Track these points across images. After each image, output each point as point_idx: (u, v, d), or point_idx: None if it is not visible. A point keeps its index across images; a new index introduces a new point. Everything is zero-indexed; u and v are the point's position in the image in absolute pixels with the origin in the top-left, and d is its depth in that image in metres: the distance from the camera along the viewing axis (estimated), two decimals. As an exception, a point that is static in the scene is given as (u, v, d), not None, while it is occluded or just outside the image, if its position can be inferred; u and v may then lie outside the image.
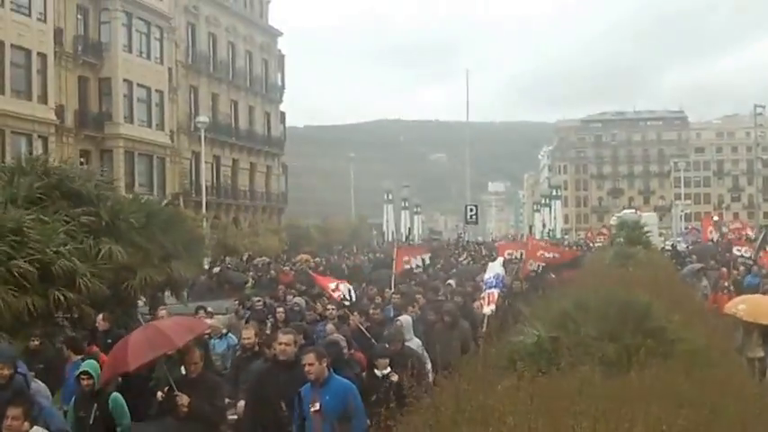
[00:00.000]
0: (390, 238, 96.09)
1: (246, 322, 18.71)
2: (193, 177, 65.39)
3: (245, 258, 50.80)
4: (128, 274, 21.68)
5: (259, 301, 23.05)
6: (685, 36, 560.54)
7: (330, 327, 17.13)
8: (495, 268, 20.80)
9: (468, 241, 77.74)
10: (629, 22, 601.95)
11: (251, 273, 43.50)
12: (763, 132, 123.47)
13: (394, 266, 28.83)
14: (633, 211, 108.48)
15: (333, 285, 21.36)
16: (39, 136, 48.81)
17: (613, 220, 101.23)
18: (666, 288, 18.63)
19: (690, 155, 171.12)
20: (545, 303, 14.83)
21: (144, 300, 23.26)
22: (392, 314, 19.66)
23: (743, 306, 17.09)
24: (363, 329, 17.30)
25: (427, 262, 32.35)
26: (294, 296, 25.19)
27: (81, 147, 53.88)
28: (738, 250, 38.15)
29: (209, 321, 17.30)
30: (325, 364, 10.56)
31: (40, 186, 21.32)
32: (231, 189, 73.23)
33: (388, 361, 13.24)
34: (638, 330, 11.14)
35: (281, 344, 11.77)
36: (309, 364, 10.51)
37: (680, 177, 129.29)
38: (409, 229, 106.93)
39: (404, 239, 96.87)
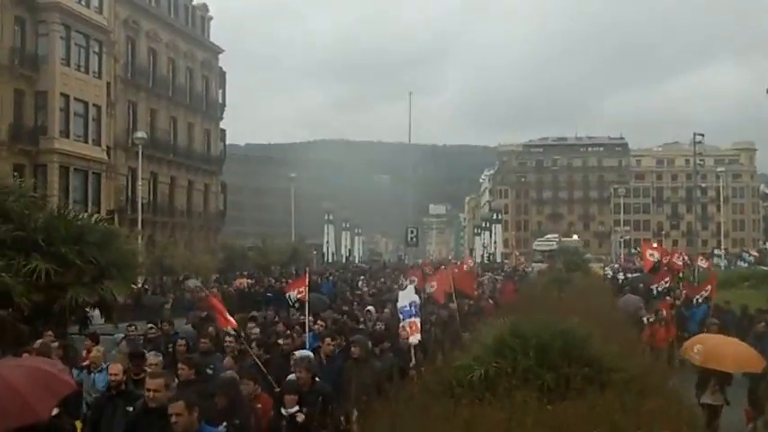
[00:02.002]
0: (331, 260, 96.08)
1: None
2: (130, 194, 64.56)
3: (181, 278, 50.36)
4: (58, 292, 21.25)
5: (152, 328, 20.40)
6: (628, 64, 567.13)
7: (228, 360, 15.20)
8: (408, 296, 19.69)
9: (404, 263, 78.04)
10: (572, 50, 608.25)
11: (171, 294, 43.09)
12: (702, 160, 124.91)
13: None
14: (554, 236, 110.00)
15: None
16: (-29, 149, 47.95)
17: (536, 246, 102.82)
18: (603, 317, 18.66)
19: (630, 181, 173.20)
20: (483, 330, 14.71)
21: (73, 319, 22.70)
22: (311, 344, 18.05)
23: (699, 347, 16.06)
24: (260, 365, 15.18)
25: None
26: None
27: (15, 161, 52.81)
28: (662, 283, 37.94)
29: (93, 351, 16.00)
30: (195, 415, 8.94)
31: (-30, 201, 20.86)
32: (168, 207, 72.48)
33: (296, 398, 11.98)
34: (574, 359, 11.06)
35: (149, 389, 10.27)
36: (177, 414, 8.95)
37: (620, 204, 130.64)
38: (350, 250, 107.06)
39: (344, 260, 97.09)
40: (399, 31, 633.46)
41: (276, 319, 24.87)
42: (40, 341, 15.57)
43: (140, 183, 59.87)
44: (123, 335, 20.67)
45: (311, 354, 15.60)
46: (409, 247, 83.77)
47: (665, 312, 26.22)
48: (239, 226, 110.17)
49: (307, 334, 19.07)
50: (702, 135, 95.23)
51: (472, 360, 11.77)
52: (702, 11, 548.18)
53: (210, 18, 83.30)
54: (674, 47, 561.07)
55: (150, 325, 20.66)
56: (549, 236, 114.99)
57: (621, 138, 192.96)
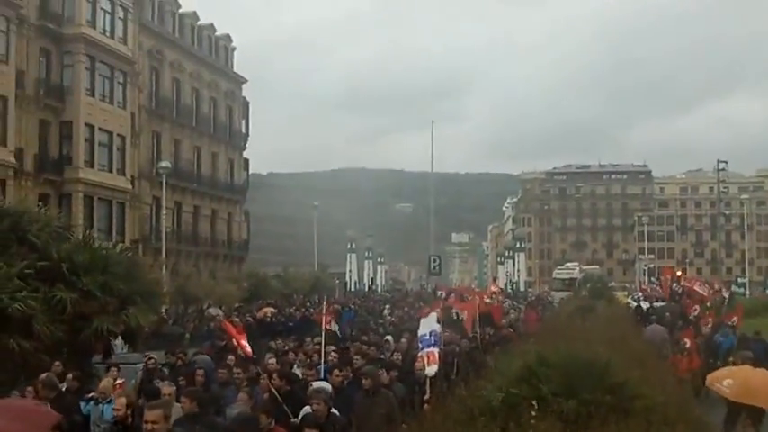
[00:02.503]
0: (353, 288, 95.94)
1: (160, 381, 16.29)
2: (154, 223, 64.76)
3: (204, 307, 50.36)
4: (83, 322, 21.28)
5: (151, 359, 19.77)
6: (650, 94, 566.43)
7: (242, 395, 14.27)
8: (429, 324, 18.63)
9: (432, 290, 77.67)
10: (595, 81, 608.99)
11: (191, 323, 42.93)
12: (725, 188, 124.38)
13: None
14: (575, 264, 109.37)
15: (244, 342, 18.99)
16: (-3, 179, 48.25)
17: (556, 274, 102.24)
18: (627, 346, 18.51)
19: (653, 209, 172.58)
20: (507, 358, 14.66)
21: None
22: (323, 375, 17.28)
23: (729, 381, 15.08)
24: (277, 396, 14.64)
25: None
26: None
27: (40, 190, 53.15)
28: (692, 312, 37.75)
29: (103, 381, 15.73)
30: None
31: (-3, 230, 20.98)
32: (192, 236, 72.65)
33: None
34: (598, 387, 11.00)
35: (146, 421, 9.79)
36: (153, 422, 8.81)
37: (643, 231, 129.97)
38: (372, 279, 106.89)
39: (366, 289, 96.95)
40: (423, 63, 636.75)
41: (286, 348, 24.23)
42: (45, 374, 15.11)
43: (164, 212, 60.03)
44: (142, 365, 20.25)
45: (328, 385, 15.24)
46: (432, 276, 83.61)
47: (688, 342, 25.61)
48: (262, 254, 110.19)
49: (322, 365, 18.35)
50: (726, 162, 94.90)
51: (495, 388, 11.72)
52: (723, 40, 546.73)
53: (234, 48, 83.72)
54: (695, 76, 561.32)
55: (168, 354, 20.56)
56: (569, 264, 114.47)
57: (645, 165, 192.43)
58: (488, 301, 45.17)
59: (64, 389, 15.41)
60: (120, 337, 23.73)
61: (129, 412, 12.10)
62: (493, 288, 61.95)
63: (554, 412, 10.55)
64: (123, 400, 12.24)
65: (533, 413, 10.48)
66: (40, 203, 40.74)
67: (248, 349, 18.11)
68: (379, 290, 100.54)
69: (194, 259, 71.45)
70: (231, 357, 19.10)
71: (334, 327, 28.20)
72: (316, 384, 14.91)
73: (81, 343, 21.31)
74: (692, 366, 24.40)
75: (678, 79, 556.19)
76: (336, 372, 16.16)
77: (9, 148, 49.78)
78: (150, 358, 19.73)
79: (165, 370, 19.42)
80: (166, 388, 14.25)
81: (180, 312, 49.00)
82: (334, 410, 12.85)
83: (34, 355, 18.79)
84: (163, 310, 39.11)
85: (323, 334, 20.59)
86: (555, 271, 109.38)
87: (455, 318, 34.84)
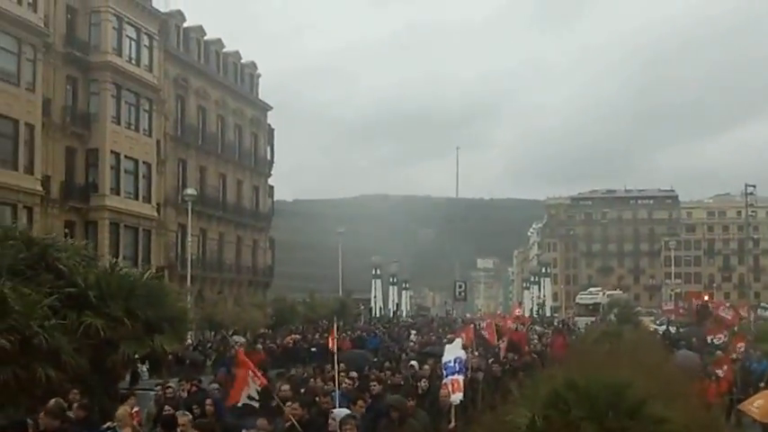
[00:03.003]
0: (378, 314, 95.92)
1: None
2: (179, 250, 65.03)
3: (230, 333, 50.43)
4: (109, 348, 21.35)
5: (169, 387, 19.26)
6: (679, 118, 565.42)
7: (261, 421, 13.95)
8: (454, 351, 18.35)
9: (452, 317, 77.66)
10: (622, 104, 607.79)
11: (214, 351, 42.79)
12: (754, 212, 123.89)
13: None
14: (598, 290, 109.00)
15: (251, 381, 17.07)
16: (24, 206, 48.38)
17: (579, 299, 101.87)
18: (654, 370, 18.40)
19: (680, 234, 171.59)
20: (533, 383, 14.60)
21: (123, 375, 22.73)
22: (339, 401, 16.82)
23: (759, 403, 15.58)
24: (296, 425, 14.33)
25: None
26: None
27: (66, 218, 53.51)
28: (712, 339, 37.61)
29: (120, 409, 15.33)
30: None
31: (24, 258, 21.08)
32: (217, 263, 72.88)
33: None
34: (623, 411, 10.97)
35: None
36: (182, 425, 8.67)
37: (670, 256, 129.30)
38: (397, 305, 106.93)
39: (391, 315, 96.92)
40: (449, 90, 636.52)
41: (305, 375, 24.06)
42: (52, 401, 14.70)
43: (190, 239, 60.27)
44: (155, 394, 19.89)
45: (349, 413, 14.60)
46: (457, 302, 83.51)
47: (723, 369, 25.35)
48: (287, 281, 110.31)
49: (336, 391, 17.82)
50: (754, 186, 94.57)
51: (523, 413, 11.69)
52: (752, 64, 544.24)
53: (259, 75, 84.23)
54: (723, 100, 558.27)
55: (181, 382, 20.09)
56: (592, 289, 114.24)
57: (672, 190, 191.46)
58: (512, 326, 45.23)
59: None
60: (145, 363, 23.76)
61: None
62: (517, 312, 61.86)
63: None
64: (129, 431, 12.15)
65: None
66: (67, 231, 41.17)
67: (263, 380, 16.93)
68: (404, 315, 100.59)
69: (219, 286, 71.66)
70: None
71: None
72: (338, 412, 14.50)
73: (107, 369, 21.38)
74: (721, 391, 24.17)
75: (705, 104, 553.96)
76: (361, 403, 15.88)
77: (36, 175, 50.06)
78: (168, 387, 19.34)
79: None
80: (182, 418, 14.05)
81: (202, 339, 49.03)
82: None
83: (61, 383, 18.82)
84: (188, 337, 39.19)
85: (335, 360, 19.84)
86: (578, 296, 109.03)
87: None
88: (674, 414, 11.61)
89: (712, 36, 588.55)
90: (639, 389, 11.92)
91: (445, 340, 39.33)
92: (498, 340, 33.81)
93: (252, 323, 57.47)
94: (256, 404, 16.29)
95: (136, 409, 16.00)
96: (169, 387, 19.33)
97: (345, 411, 14.50)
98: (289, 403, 15.09)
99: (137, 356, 22.41)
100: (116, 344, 21.56)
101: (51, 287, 20.79)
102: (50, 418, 13.55)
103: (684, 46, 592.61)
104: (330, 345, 25.24)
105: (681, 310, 66.02)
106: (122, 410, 15.30)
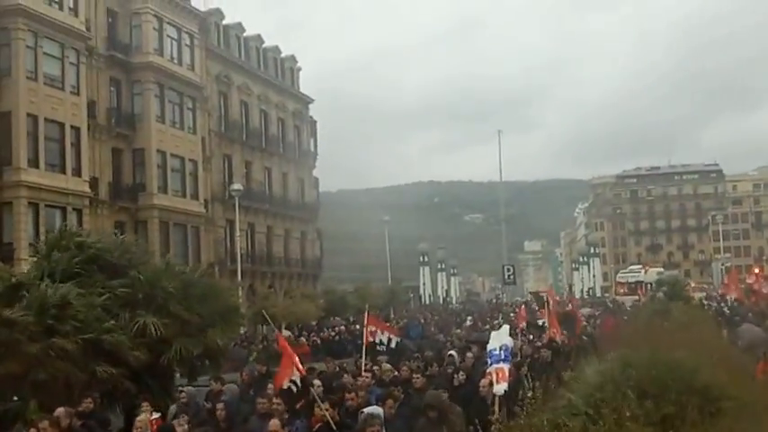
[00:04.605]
0: (428, 301, 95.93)
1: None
2: (228, 246, 65.41)
3: (283, 326, 50.55)
4: (163, 346, 21.51)
5: (182, 392, 18.80)
6: (719, 92, 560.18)
7: (274, 423, 13.06)
8: (500, 338, 17.20)
9: (502, 301, 77.47)
10: (658, 80, 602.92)
11: (259, 345, 42.62)
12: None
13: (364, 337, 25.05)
14: (639, 267, 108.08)
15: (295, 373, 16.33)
16: (73, 209, 48.88)
17: (620, 278, 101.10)
18: (710, 346, 18.25)
19: (727, 207, 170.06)
20: (587, 364, 14.55)
21: (179, 372, 22.89)
22: (374, 399, 15.93)
23: None
24: (332, 424, 13.43)
25: (392, 345, 26.72)
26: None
27: (115, 218, 54.04)
28: None
29: (139, 417, 14.89)
30: None
31: (78, 261, 21.30)
32: (266, 256, 73.23)
33: None
34: (683, 389, 10.92)
35: None
36: None
37: (718, 231, 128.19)
38: (446, 290, 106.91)
39: (441, 302, 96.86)
40: (494, 74, 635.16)
41: (337, 370, 23.08)
42: (59, 409, 14.50)
43: (238, 234, 60.58)
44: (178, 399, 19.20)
45: (381, 410, 13.82)
46: (506, 285, 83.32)
47: None
48: (336, 272, 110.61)
49: (374, 387, 17.30)
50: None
51: (579, 394, 11.66)
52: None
53: (299, 69, 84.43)
54: (761, 75, 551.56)
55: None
56: (632, 267, 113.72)
57: (716, 164, 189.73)
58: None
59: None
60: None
61: None
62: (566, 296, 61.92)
63: (640, 416, 10.51)
64: None
65: (619, 419, 10.44)
66: (117, 231, 41.42)
67: (301, 370, 16.20)
68: (453, 302, 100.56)
69: (270, 279, 71.99)
70: (271, 386, 17.23)
71: (382, 338, 26.66)
72: (368, 411, 13.40)
73: (162, 367, 21.54)
74: None
75: (748, 78, 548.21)
76: (391, 402, 14.64)
77: (84, 177, 50.57)
78: (181, 392, 18.78)
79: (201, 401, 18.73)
80: (178, 427, 13.82)
81: (249, 335, 49.11)
82: None
83: (120, 381, 19.04)
84: (242, 332, 39.36)
85: (363, 352, 19.52)
86: (618, 274, 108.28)
87: (539, 325, 34.76)
88: (736, 391, 11.58)
89: (754, 5, 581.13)
90: (699, 366, 11.89)
91: (490, 326, 38.68)
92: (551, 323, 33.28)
93: (304, 316, 57.66)
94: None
95: (156, 416, 15.34)
96: (182, 392, 18.67)
97: (378, 410, 13.71)
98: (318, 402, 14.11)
99: (189, 353, 22.46)
100: (169, 341, 21.69)
101: (104, 287, 20.99)
102: (52, 428, 13.28)
103: (730, 19, 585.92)
104: (366, 335, 24.24)
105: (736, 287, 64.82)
106: (143, 417, 14.84)
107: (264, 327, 52.89)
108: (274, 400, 15.43)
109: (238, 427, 14.27)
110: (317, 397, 14.03)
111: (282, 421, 13.54)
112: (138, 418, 14.58)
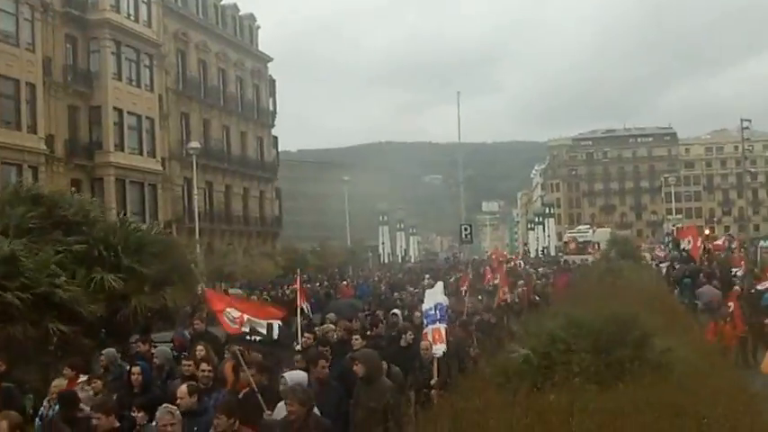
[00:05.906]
0: (386, 260, 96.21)
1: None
2: (186, 204, 65.14)
3: (237, 285, 50.54)
4: (120, 302, 21.51)
5: (101, 356, 16.41)
6: (675, 56, 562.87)
7: (182, 389, 11.21)
8: (435, 296, 16.24)
9: (459, 260, 77.92)
10: (617, 44, 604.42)
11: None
12: (750, 146, 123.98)
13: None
14: (586, 227, 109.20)
15: (234, 313, 14.27)
16: (29, 166, 48.61)
17: (566, 238, 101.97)
18: (657, 302, 18.55)
19: (680, 170, 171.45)
20: (536, 320, 14.79)
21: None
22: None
23: None
24: (256, 392, 12.00)
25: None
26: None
27: (72, 176, 53.64)
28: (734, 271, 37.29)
29: (55, 381, 13.71)
30: None
31: (32, 216, 21.20)
32: (224, 215, 73.06)
33: None
34: (626, 343, 11.12)
35: None
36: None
37: (670, 193, 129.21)
38: (405, 250, 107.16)
39: (400, 261, 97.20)
40: (453, 35, 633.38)
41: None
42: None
43: (196, 192, 60.34)
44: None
45: (305, 377, 12.59)
46: (464, 245, 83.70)
47: (731, 306, 24.40)
48: (296, 231, 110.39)
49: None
50: (749, 120, 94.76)
51: (528, 350, 11.86)
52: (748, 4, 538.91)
53: (258, 27, 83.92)
54: (718, 40, 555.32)
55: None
56: (580, 227, 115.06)
57: (670, 127, 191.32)
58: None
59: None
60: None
61: None
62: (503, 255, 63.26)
63: (586, 370, 10.71)
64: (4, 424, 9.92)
65: (567, 371, 10.65)
66: (73, 189, 41.17)
67: (237, 329, 14.30)
68: (412, 261, 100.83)
69: (228, 238, 71.90)
70: (200, 348, 15.01)
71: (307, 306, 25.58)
72: (289, 378, 12.25)
73: (119, 323, 21.55)
74: (737, 331, 23.62)
75: (702, 41, 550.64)
76: (323, 362, 13.21)
77: (39, 134, 50.23)
78: (100, 355, 16.56)
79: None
80: (81, 392, 12.67)
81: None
82: (315, 411, 10.61)
83: (74, 337, 19.04)
84: (199, 290, 39.27)
85: (297, 315, 18.53)
86: (565, 234, 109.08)
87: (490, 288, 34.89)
88: (679, 343, 11.84)
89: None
90: (643, 321, 12.13)
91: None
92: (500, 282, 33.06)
93: (263, 274, 57.75)
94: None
95: (83, 378, 13.88)
96: (101, 355, 16.43)
97: (300, 375, 12.65)
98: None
99: (146, 310, 22.39)
100: (127, 297, 21.70)
101: (59, 243, 20.93)
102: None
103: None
104: (299, 298, 22.11)
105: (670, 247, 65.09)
106: (58, 381, 13.67)
107: (223, 284, 52.99)
108: (184, 362, 14.30)
109: (154, 392, 13.08)
110: (241, 360, 12.72)
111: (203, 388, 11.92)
112: (54, 383, 13.57)
